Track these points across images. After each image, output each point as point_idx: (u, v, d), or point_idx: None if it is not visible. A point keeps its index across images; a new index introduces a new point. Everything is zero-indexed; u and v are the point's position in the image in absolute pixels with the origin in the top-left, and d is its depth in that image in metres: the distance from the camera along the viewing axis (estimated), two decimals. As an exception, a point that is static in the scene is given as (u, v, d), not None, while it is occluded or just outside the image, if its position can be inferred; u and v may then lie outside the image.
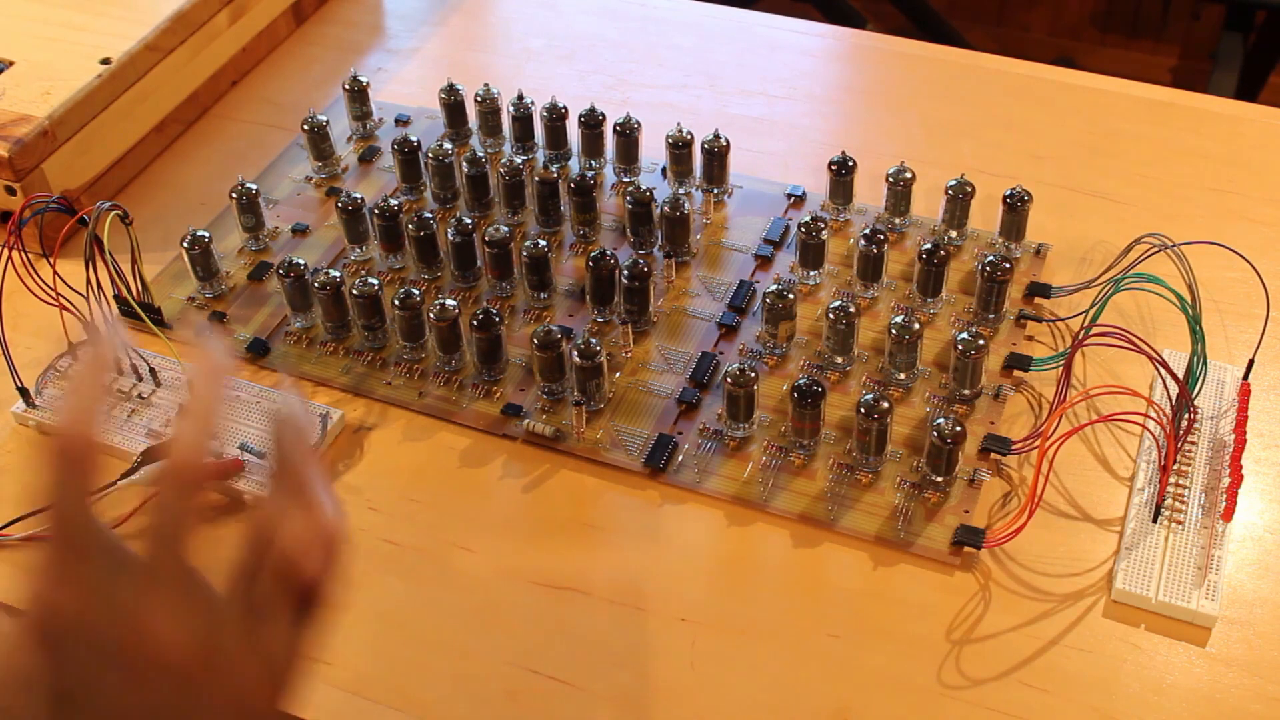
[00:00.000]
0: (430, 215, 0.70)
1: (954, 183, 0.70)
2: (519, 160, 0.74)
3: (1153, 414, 0.59)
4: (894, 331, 0.63)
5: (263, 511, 0.38)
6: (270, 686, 0.36)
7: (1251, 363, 0.63)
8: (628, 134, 0.76)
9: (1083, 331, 0.62)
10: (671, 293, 0.70)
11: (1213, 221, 0.73)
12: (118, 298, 0.68)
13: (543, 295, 0.69)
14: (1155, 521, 0.57)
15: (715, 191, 0.75)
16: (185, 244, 0.70)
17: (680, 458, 0.62)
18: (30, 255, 0.63)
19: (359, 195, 0.72)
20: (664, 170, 0.77)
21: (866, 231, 0.67)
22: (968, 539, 0.57)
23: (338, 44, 0.92)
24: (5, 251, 0.62)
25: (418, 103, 0.85)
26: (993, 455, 0.61)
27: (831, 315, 0.64)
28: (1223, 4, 1.59)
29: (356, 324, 0.68)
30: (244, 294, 0.71)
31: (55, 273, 0.61)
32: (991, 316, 0.67)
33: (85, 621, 0.33)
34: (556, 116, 0.77)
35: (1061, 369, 0.62)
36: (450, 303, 0.65)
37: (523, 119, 0.78)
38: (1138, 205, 0.74)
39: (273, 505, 0.38)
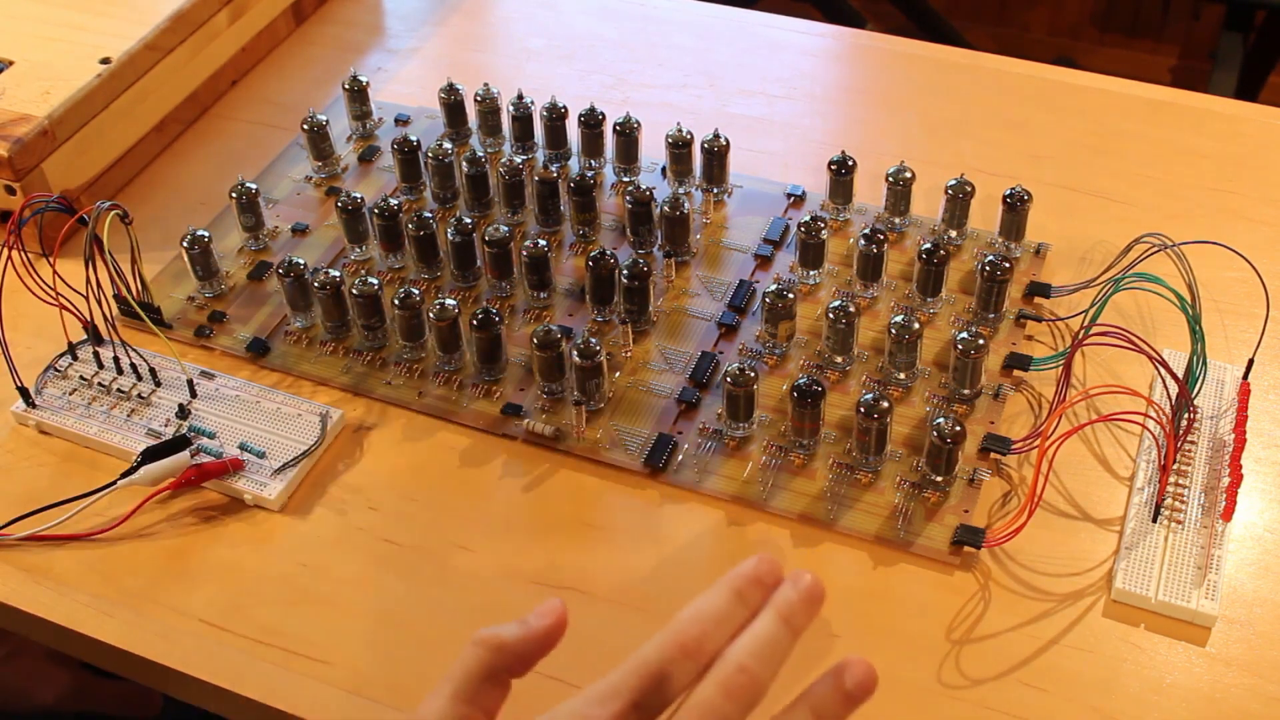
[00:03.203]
0: (430, 215, 0.70)
1: (954, 182, 0.70)
2: (519, 160, 0.74)
3: (1153, 414, 0.59)
4: (894, 331, 0.63)
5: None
6: None
7: (1251, 362, 0.63)
8: (628, 134, 0.76)
9: (1083, 331, 0.62)
10: (671, 292, 0.70)
11: (1213, 221, 0.73)
12: (117, 297, 0.68)
13: (542, 295, 0.69)
14: (1155, 521, 0.57)
15: (715, 191, 0.75)
16: (185, 244, 0.70)
17: (680, 457, 0.62)
18: (30, 255, 0.63)
19: (359, 195, 0.72)
20: (664, 170, 0.77)
21: (866, 231, 0.67)
22: (968, 539, 0.57)
23: (338, 44, 0.92)
24: (5, 251, 0.62)
25: (418, 103, 0.85)
26: (993, 455, 0.61)
27: (831, 315, 0.63)
28: (1223, 4, 1.59)
29: (356, 324, 0.68)
30: (244, 294, 0.71)
31: (55, 272, 0.61)
32: (991, 316, 0.67)
33: None
34: (556, 116, 0.77)
35: (1061, 369, 0.62)
36: (450, 302, 0.65)
37: (522, 119, 0.78)
38: (1138, 205, 0.74)
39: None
